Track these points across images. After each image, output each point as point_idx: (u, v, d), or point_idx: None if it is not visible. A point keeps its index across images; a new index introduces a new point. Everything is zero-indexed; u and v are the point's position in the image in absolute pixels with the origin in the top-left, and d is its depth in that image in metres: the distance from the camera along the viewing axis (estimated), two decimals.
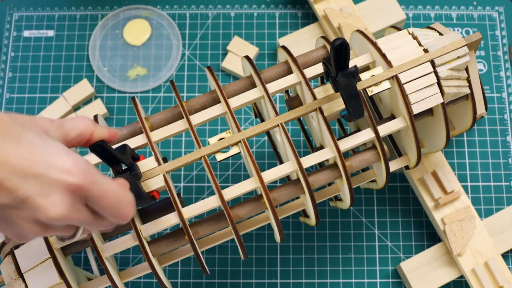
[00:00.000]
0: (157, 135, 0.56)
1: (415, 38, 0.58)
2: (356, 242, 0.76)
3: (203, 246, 0.59)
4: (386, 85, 0.56)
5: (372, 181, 0.64)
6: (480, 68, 0.83)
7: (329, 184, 0.64)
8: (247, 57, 0.59)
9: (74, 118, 0.46)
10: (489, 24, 0.85)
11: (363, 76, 0.56)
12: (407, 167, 0.63)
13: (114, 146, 0.52)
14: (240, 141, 0.55)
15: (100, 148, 0.46)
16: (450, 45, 0.57)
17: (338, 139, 0.56)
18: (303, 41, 0.82)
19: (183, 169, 0.79)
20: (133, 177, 0.49)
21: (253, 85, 0.59)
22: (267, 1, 0.87)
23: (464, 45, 0.57)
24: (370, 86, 0.55)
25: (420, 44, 0.58)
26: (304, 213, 0.68)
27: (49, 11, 0.87)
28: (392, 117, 0.61)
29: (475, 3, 0.87)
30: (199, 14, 0.87)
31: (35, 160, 0.39)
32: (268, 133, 0.70)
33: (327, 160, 0.58)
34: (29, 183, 0.39)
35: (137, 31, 0.85)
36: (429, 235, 0.76)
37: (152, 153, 0.54)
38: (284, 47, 0.60)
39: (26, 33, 0.86)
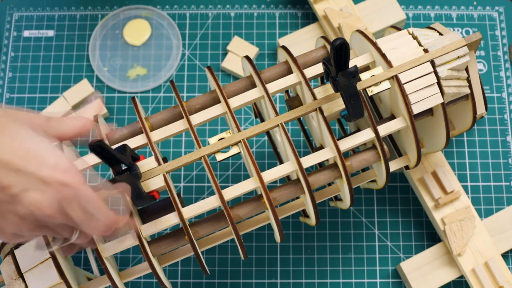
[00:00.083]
0: (157, 135, 0.56)
1: (415, 38, 0.58)
2: (356, 242, 0.76)
3: (203, 246, 0.59)
4: (386, 85, 0.56)
5: (372, 181, 0.64)
6: (480, 68, 0.83)
7: (329, 184, 0.64)
8: (247, 57, 0.59)
9: (72, 117, 0.47)
10: (489, 24, 0.85)
11: (363, 76, 0.56)
12: (407, 167, 0.63)
13: (114, 146, 0.52)
14: (240, 141, 0.55)
15: (99, 148, 0.46)
16: (450, 45, 0.57)
17: (338, 139, 0.56)
18: (303, 41, 0.82)
19: (183, 169, 0.79)
20: (133, 177, 0.49)
21: (253, 85, 0.59)
22: (267, 1, 0.87)
23: (464, 45, 0.57)
24: (370, 86, 0.55)
25: (420, 44, 0.58)
26: (304, 213, 0.68)
27: (49, 11, 0.87)
28: (392, 117, 0.61)
29: (475, 3, 0.87)
30: (199, 14, 0.87)
31: (28, 156, 0.40)
32: (268, 133, 0.70)
33: (327, 160, 0.58)
34: (22, 178, 0.39)
35: (137, 31, 0.85)
36: (429, 235, 0.76)
37: (152, 153, 0.54)
38: (284, 47, 0.59)
39: (26, 33, 0.86)
